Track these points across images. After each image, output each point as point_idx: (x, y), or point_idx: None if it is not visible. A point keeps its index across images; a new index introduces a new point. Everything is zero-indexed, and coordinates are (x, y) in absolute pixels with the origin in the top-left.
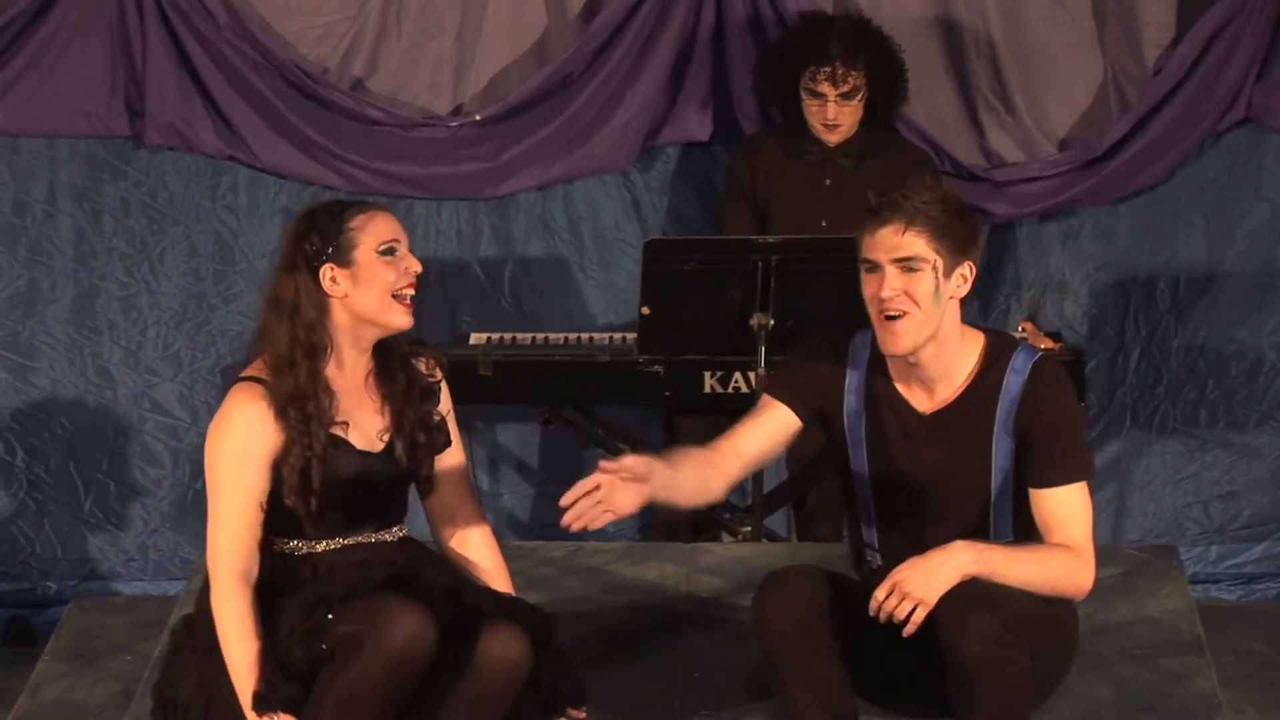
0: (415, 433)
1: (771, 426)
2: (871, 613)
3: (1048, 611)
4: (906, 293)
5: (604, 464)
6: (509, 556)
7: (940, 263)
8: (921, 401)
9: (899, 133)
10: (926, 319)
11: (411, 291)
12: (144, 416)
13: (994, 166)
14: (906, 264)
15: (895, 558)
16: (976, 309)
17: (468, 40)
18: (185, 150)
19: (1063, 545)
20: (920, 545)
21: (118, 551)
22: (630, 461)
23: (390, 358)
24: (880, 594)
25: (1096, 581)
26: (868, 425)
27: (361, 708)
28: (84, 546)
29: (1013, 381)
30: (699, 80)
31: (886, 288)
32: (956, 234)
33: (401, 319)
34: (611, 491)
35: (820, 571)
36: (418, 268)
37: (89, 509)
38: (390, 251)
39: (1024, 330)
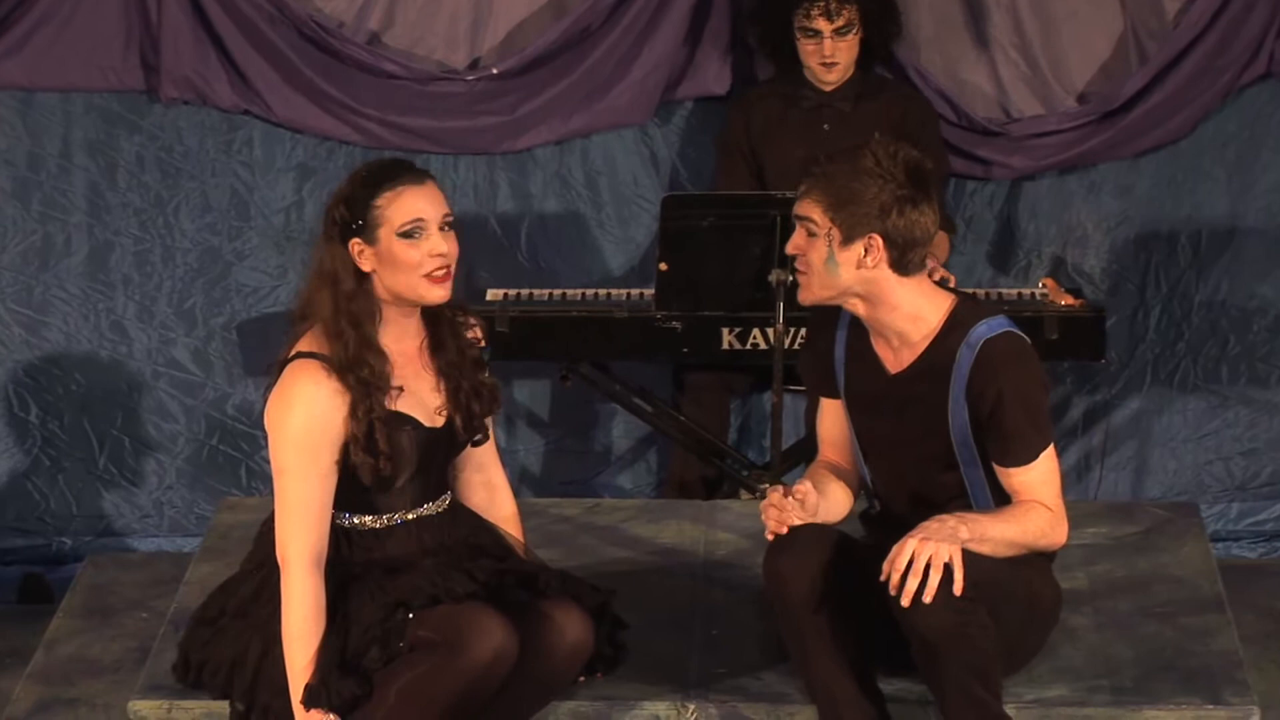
0: (471, 404)
1: (831, 411)
2: (886, 580)
3: (1013, 575)
4: (805, 254)
5: (781, 497)
6: (525, 513)
7: (835, 232)
8: (890, 360)
9: (897, 75)
10: (822, 283)
11: (440, 271)
12: (158, 372)
13: (1011, 120)
14: (805, 226)
15: (891, 503)
16: (995, 265)
17: None
18: (200, 104)
19: (1037, 503)
20: (909, 493)
21: (133, 508)
22: (808, 499)
23: (440, 326)
24: (898, 564)
25: (1117, 539)
26: (848, 376)
27: (429, 705)
28: (99, 503)
29: (964, 356)
30: (717, 33)
31: (790, 244)
32: (859, 205)
33: (432, 293)
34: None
35: (827, 529)
36: (442, 248)
37: (103, 465)
38: (410, 235)
39: (1044, 286)
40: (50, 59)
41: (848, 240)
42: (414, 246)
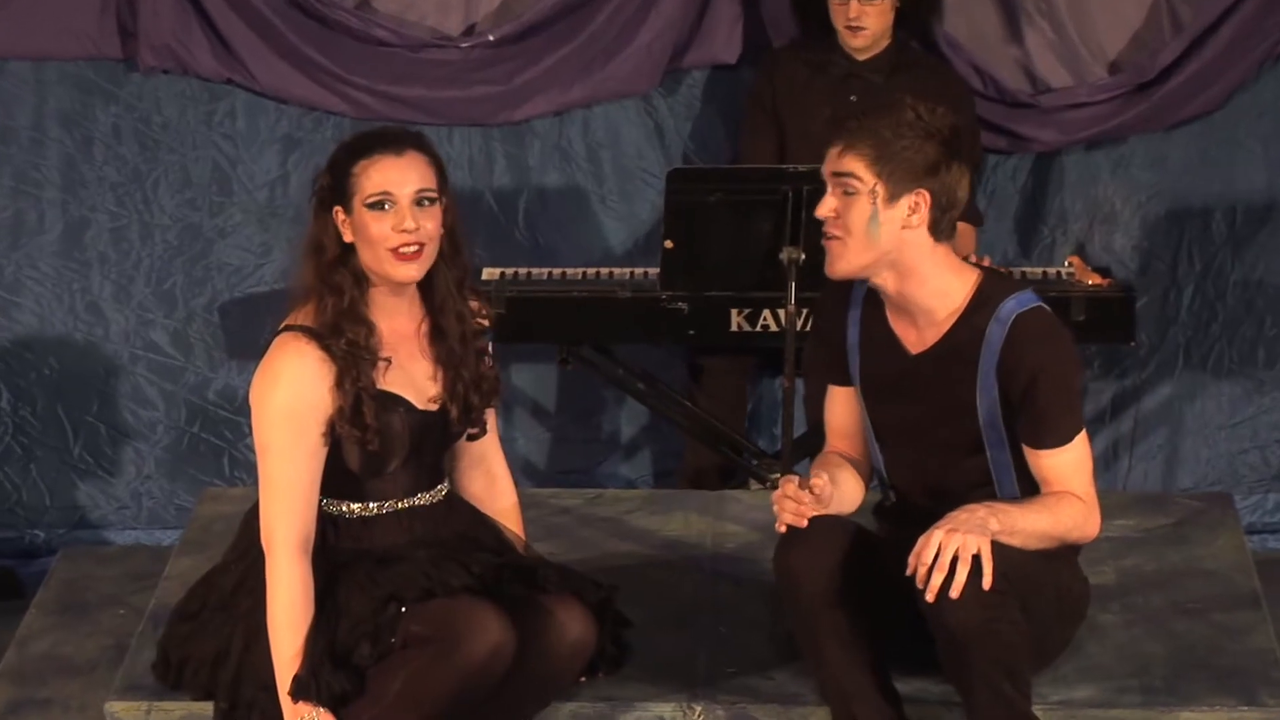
0: (469, 395)
1: (841, 399)
2: (911, 574)
3: (1043, 567)
4: (841, 216)
5: (797, 489)
6: (525, 504)
7: (881, 188)
8: (912, 340)
9: (939, 53)
10: (860, 246)
11: (409, 249)
12: (136, 356)
13: (1040, 92)
14: (843, 185)
15: (908, 494)
16: (1018, 242)
17: None
18: (180, 73)
19: (1069, 493)
20: (929, 482)
21: (109, 499)
22: (824, 493)
23: (445, 311)
24: (925, 557)
25: (1147, 531)
26: (863, 360)
27: (423, 704)
28: (73, 493)
29: (995, 332)
30: None
31: (823, 207)
32: (906, 160)
33: (399, 270)
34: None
35: (841, 521)
36: (408, 225)
37: (78, 454)
38: (378, 206)
39: (1071, 265)
40: (22, 25)
41: (893, 197)
42: (380, 220)
